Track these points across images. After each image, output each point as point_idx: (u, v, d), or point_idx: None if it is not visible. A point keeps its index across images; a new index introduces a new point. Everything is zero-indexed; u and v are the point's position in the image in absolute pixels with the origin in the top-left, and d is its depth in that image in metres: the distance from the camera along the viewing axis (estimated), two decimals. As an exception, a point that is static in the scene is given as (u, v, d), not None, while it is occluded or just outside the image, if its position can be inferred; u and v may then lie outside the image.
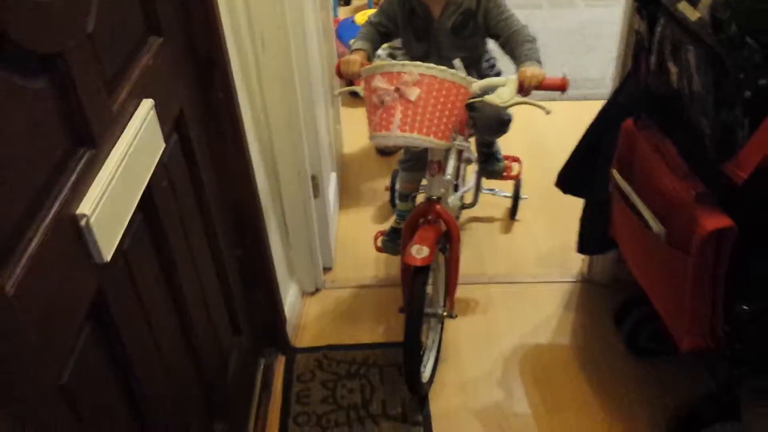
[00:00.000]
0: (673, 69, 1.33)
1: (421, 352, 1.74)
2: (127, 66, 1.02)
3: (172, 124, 1.19)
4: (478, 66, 1.90)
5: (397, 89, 1.44)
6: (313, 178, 1.96)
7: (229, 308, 1.56)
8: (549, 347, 1.95)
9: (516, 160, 2.39)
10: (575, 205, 1.89)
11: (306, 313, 2.06)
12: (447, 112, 1.45)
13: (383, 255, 2.21)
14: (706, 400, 1.60)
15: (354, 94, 1.63)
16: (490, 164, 2.29)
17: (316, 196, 2.00)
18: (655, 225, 1.38)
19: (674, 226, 1.34)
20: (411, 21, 1.82)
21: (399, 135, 1.46)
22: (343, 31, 3.25)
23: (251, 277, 1.69)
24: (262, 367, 1.83)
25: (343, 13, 4.08)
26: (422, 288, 1.60)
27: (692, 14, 1.22)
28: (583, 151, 1.80)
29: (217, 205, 1.47)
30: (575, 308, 2.08)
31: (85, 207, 0.83)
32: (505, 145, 2.33)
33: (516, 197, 2.38)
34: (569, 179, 1.86)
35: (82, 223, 0.83)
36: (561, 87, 1.56)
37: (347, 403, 1.76)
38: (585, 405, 1.78)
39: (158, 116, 1.08)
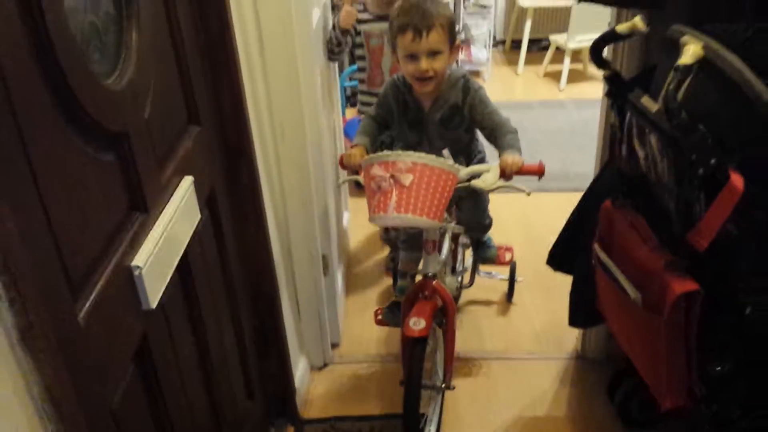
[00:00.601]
0: (641, 154, 1.52)
1: (422, 423, 1.84)
2: (172, 148, 1.22)
3: (204, 201, 1.37)
4: (467, 153, 2.06)
5: (393, 176, 1.61)
6: (324, 257, 2.13)
7: (245, 373, 1.68)
8: (545, 419, 2.05)
9: (509, 249, 2.54)
10: (567, 286, 2.03)
11: (314, 386, 2.17)
12: (438, 195, 1.63)
13: (387, 333, 2.34)
14: (692, 462, 1.69)
15: (357, 184, 1.81)
16: (482, 251, 2.44)
17: (325, 274, 2.15)
18: (632, 292, 1.53)
19: (649, 292, 1.48)
20: (405, 113, 2.00)
21: (395, 216, 1.62)
22: (350, 128, 3.50)
23: (265, 347, 1.82)
24: (272, 435, 1.93)
25: (350, 113, 4.38)
26: (420, 358, 1.70)
27: (652, 106, 1.42)
28: (569, 231, 1.97)
29: (239, 277, 1.63)
30: (570, 383, 2.18)
31: (138, 260, 0.99)
32: (501, 232, 2.51)
33: (512, 280, 2.53)
34: (558, 257, 2.02)
35: (136, 273, 0.99)
36: (538, 172, 1.74)
37: (353, 470, 1.85)
38: (581, 473, 1.86)
39: (196, 193, 1.27)
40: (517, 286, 2.57)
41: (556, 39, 4.83)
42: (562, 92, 4.74)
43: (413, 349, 1.70)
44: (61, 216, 0.80)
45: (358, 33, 2.52)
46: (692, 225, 1.35)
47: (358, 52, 2.62)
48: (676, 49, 1.34)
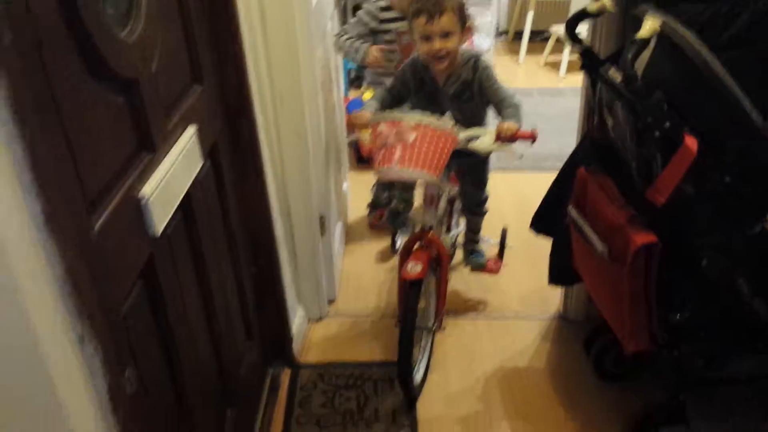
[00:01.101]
0: (609, 122, 1.65)
1: (414, 359, 2.01)
2: (178, 100, 1.36)
3: (207, 151, 1.52)
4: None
5: (398, 133, 1.79)
6: (321, 218, 2.27)
7: (244, 315, 1.84)
8: (526, 370, 2.19)
9: (497, 263, 2.60)
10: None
11: (311, 335, 2.33)
12: (438, 153, 1.80)
13: (383, 290, 2.53)
14: (657, 407, 1.83)
15: (358, 159, 1.97)
16: (474, 257, 2.55)
17: (322, 234, 2.30)
18: (600, 245, 1.66)
19: (614, 245, 1.62)
20: (421, 87, 2.19)
21: (398, 169, 1.81)
22: (352, 107, 3.64)
23: (263, 294, 1.97)
24: (269, 376, 2.09)
25: (353, 94, 4.51)
26: (416, 299, 1.89)
27: (617, 77, 1.54)
28: (550, 198, 2.10)
29: (238, 226, 1.78)
30: (551, 340, 2.32)
31: (146, 189, 1.14)
32: (497, 206, 2.65)
33: (502, 244, 2.67)
34: (540, 221, 2.16)
35: (143, 201, 1.14)
36: (531, 137, 1.90)
37: (344, 408, 2.01)
38: (556, 417, 2.00)
39: (199, 142, 1.41)
40: (507, 253, 2.70)
41: (557, 30, 4.93)
42: (562, 81, 4.87)
43: (409, 291, 1.88)
44: (79, 144, 0.95)
45: (388, 30, 2.64)
46: (651, 183, 1.48)
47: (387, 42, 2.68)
48: (640, 25, 1.47)
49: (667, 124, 1.40)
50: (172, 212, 1.25)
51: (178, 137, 1.32)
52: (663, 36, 1.41)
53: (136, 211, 1.13)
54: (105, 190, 1.04)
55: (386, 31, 2.63)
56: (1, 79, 0.72)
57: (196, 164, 1.41)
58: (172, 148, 1.28)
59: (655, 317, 1.62)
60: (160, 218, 1.19)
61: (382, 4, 2.60)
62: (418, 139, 1.81)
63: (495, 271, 2.58)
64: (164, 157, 1.24)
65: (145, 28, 1.17)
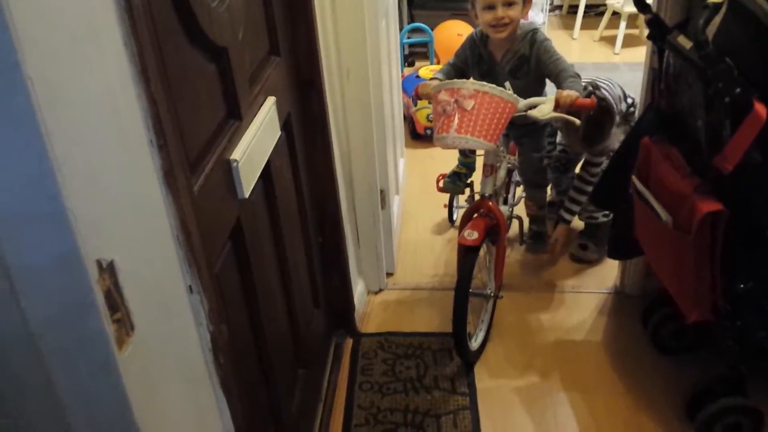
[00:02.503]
0: (676, 89, 1.66)
1: (474, 326, 2.07)
2: (259, 70, 1.42)
3: (282, 123, 1.58)
4: None
5: (456, 101, 1.82)
6: (381, 192, 2.32)
7: (312, 282, 1.91)
8: (583, 343, 2.22)
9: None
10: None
11: (370, 306, 2.39)
12: (496, 121, 1.82)
13: (440, 263, 2.58)
14: (716, 377, 1.84)
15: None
16: (537, 243, 2.58)
17: (383, 207, 2.35)
18: (664, 214, 1.68)
19: (679, 215, 1.63)
20: (479, 63, 2.22)
21: (456, 136, 1.83)
22: (407, 84, 3.68)
23: (329, 263, 2.04)
24: (333, 343, 2.16)
25: (407, 71, 4.55)
26: (471, 264, 1.94)
27: (686, 44, 1.55)
28: (612, 170, 2.12)
29: (308, 196, 1.84)
30: (608, 314, 2.34)
31: (236, 155, 1.21)
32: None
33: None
34: (601, 194, 2.18)
35: (234, 165, 1.20)
36: (590, 105, 1.91)
37: (404, 376, 2.07)
38: (613, 390, 2.03)
39: (277, 112, 1.47)
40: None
41: (613, 3, 4.85)
42: (617, 56, 4.78)
43: (465, 256, 1.94)
44: (182, 108, 1.01)
45: None
46: (719, 150, 1.49)
47: None
48: (711, -8, 1.47)
49: (738, 90, 1.41)
50: (256, 178, 1.32)
51: (260, 107, 1.38)
52: (733, 1, 1.41)
53: (227, 174, 1.19)
54: (202, 153, 1.11)
55: None
56: (131, 46, 0.78)
57: (275, 134, 1.47)
58: (255, 117, 1.34)
59: (719, 287, 1.64)
60: (247, 182, 1.25)
61: None
62: (476, 106, 1.83)
63: (555, 252, 2.59)
64: (249, 126, 1.31)
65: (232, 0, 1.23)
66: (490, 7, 2.05)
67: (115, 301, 0.71)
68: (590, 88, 2.29)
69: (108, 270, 0.70)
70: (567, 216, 2.49)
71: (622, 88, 2.47)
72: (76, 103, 0.68)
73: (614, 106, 2.28)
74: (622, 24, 4.76)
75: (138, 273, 0.78)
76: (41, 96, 0.60)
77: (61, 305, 0.68)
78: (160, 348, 0.85)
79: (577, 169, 2.54)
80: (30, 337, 0.69)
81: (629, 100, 2.46)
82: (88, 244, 0.67)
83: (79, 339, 0.70)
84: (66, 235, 0.64)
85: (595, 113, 2.10)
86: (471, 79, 1.89)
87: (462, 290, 1.94)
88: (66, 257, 0.66)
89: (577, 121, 1.88)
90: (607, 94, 2.28)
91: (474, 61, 2.23)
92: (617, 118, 2.32)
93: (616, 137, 2.36)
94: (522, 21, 2.14)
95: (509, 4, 2.04)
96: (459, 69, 2.25)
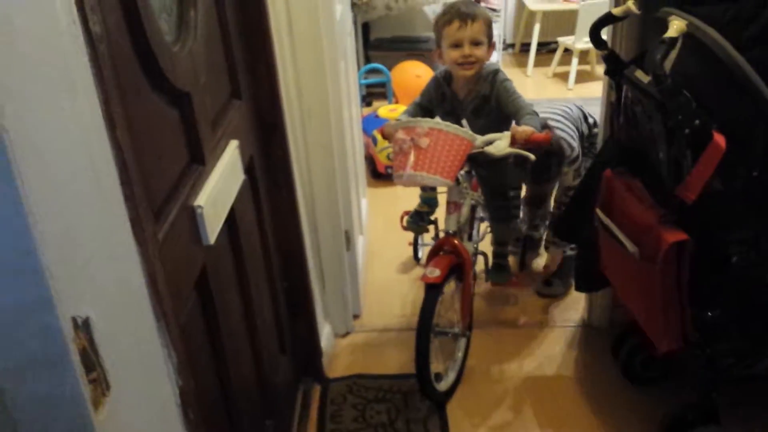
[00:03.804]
0: (636, 122, 1.69)
1: (444, 366, 2.06)
2: (221, 114, 1.40)
3: (246, 166, 1.55)
4: None
5: (412, 139, 1.83)
6: (346, 232, 2.30)
7: (278, 329, 1.85)
8: (554, 378, 2.20)
9: (519, 276, 2.65)
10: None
11: (338, 351, 2.33)
12: (451, 158, 1.84)
13: (407, 302, 2.55)
14: (690, 406, 1.84)
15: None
16: (499, 273, 2.51)
17: (348, 248, 2.32)
18: (630, 246, 1.69)
19: (645, 245, 1.64)
20: (443, 102, 2.25)
21: (412, 174, 1.85)
22: (367, 124, 3.69)
23: (295, 308, 1.99)
24: (301, 391, 2.10)
25: (365, 112, 4.57)
26: (432, 302, 1.92)
27: (644, 78, 1.59)
28: (575, 203, 2.13)
29: (272, 240, 1.80)
30: (577, 347, 2.34)
31: (200, 200, 1.17)
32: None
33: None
34: (565, 227, 2.19)
35: (198, 211, 1.16)
36: (545, 140, 1.93)
37: (375, 421, 2.01)
38: (588, 423, 2.01)
39: (240, 156, 1.44)
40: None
41: (564, 41, 5.00)
42: (571, 91, 4.91)
43: (427, 294, 1.92)
44: (145, 155, 0.98)
45: None
46: (681, 181, 1.51)
47: None
48: (665, 27, 1.51)
49: (697, 121, 1.44)
50: (221, 223, 1.28)
51: (223, 151, 1.35)
52: (689, 36, 1.45)
53: (191, 221, 1.15)
54: (166, 200, 1.07)
55: None
56: (99, 95, 0.75)
57: (239, 178, 1.43)
58: (218, 161, 1.31)
59: (687, 315, 1.65)
60: (212, 228, 1.21)
61: None
62: (431, 144, 1.85)
63: (517, 285, 2.60)
64: (212, 170, 1.27)
65: (194, 43, 1.21)
66: (457, 45, 2.09)
67: (90, 359, 0.67)
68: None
69: (83, 327, 0.66)
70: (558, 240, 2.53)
71: (581, 109, 2.53)
72: (53, 154, 0.65)
73: (566, 148, 2.31)
74: (574, 60, 4.89)
75: (112, 329, 0.74)
76: (17, 148, 0.57)
77: (34, 366, 0.64)
78: (135, 406, 0.80)
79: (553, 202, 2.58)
80: (1, 399, 0.64)
81: (591, 120, 2.51)
82: (64, 300, 0.63)
83: (54, 402, 0.65)
84: (41, 292, 0.61)
85: (542, 154, 2.14)
86: (427, 118, 1.91)
87: (424, 329, 1.92)
88: (40, 315, 0.62)
89: (533, 156, 1.91)
90: (559, 133, 2.31)
91: (438, 100, 2.26)
92: (574, 154, 2.36)
93: (569, 176, 2.42)
94: (486, 63, 2.17)
95: (476, 44, 2.08)
96: (425, 108, 2.27)
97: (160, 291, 0.88)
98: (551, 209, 2.65)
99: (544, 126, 2.22)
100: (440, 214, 2.32)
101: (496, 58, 5.00)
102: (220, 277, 1.31)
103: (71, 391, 0.65)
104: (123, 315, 0.79)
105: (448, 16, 2.09)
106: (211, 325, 1.26)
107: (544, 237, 2.72)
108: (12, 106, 0.57)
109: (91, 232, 0.71)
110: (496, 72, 2.17)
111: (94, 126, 0.74)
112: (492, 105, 2.17)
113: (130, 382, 0.79)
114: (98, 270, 0.72)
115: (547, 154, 2.27)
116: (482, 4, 5.02)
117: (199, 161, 1.22)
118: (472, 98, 2.19)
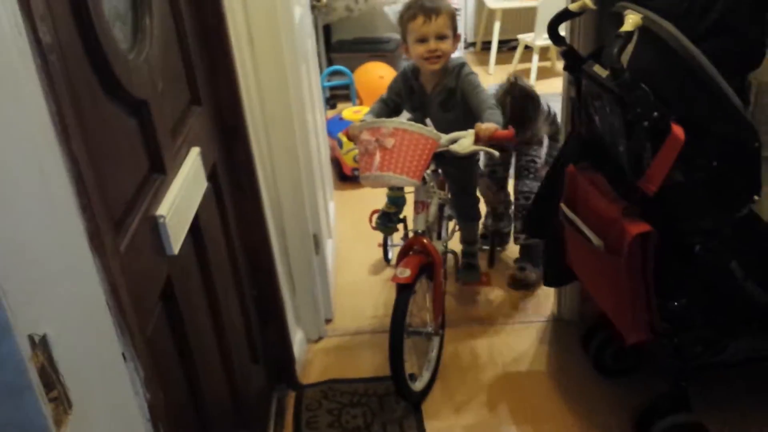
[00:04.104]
0: (596, 117, 1.71)
1: (419, 366, 2.06)
2: (181, 121, 1.37)
3: (208, 173, 1.53)
4: None
5: (377, 140, 1.82)
6: (314, 236, 2.28)
7: (249, 338, 1.83)
8: (527, 373, 2.22)
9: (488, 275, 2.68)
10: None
11: (311, 356, 2.32)
12: (417, 157, 1.84)
13: (379, 304, 2.55)
14: (660, 396, 1.86)
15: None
16: (470, 273, 2.58)
17: (317, 252, 2.31)
18: (595, 239, 1.71)
19: (609, 238, 1.66)
20: (411, 97, 2.26)
21: (378, 174, 1.85)
22: (331, 126, 3.68)
23: (265, 317, 1.97)
24: (275, 400, 2.08)
25: (330, 114, 4.55)
26: (405, 302, 1.92)
27: (602, 72, 1.60)
28: (541, 200, 2.15)
29: (239, 249, 1.78)
30: (548, 342, 2.36)
31: (162, 210, 1.15)
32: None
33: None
34: (533, 224, 2.21)
35: (160, 221, 1.14)
36: (509, 136, 1.94)
37: (351, 425, 2.00)
38: (561, 417, 2.03)
39: (202, 163, 1.42)
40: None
41: (524, 38, 5.05)
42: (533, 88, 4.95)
43: (399, 294, 1.92)
44: (103, 165, 0.95)
45: None
46: (642, 173, 1.53)
47: None
48: (621, 21, 1.53)
49: (655, 114, 1.46)
50: (185, 233, 1.26)
51: (184, 158, 1.33)
52: (645, 29, 1.47)
53: (154, 231, 1.13)
54: (126, 211, 1.05)
55: None
56: (50, 105, 0.73)
57: (202, 186, 1.41)
58: (180, 169, 1.29)
59: (654, 306, 1.67)
60: (176, 238, 1.19)
61: None
62: (396, 144, 1.85)
63: (488, 283, 2.62)
64: (174, 179, 1.25)
65: (150, 50, 1.19)
66: (423, 40, 2.10)
67: (50, 377, 0.65)
68: (512, 79, 2.45)
69: (41, 345, 0.64)
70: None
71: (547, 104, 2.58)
72: (3, 168, 0.62)
73: (537, 95, 2.39)
74: (535, 57, 4.94)
75: (72, 345, 0.71)
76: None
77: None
78: (101, 423, 0.78)
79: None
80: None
81: (545, 107, 2.56)
82: (19, 318, 0.61)
83: (14, 424, 0.63)
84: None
85: (516, 98, 2.16)
86: (392, 118, 1.90)
87: (397, 329, 1.92)
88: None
89: (497, 153, 1.92)
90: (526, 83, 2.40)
91: (406, 95, 2.27)
92: (544, 107, 2.41)
93: (543, 129, 2.52)
94: (451, 56, 2.18)
95: (441, 38, 2.09)
96: (393, 103, 2.28)
97: (123, 304, 0.86)
98: (511, 198, 2.68)
99: (513, 81, 2.34)
100: (408, 213, 2.32)
101: (457, 56, 5.03)
102: (186, 288, 1.29)
103: (31, 411, 0.63)
104: (84, 330, 0.77)
105: (413, 11, 2.10)
106: (179, 337, 1.23)
107: (512, 231, 2.74)
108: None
109: (45, 247, 0.69)
110: (462, 65, 2.18)
111: (45, 137, 0.72)
112: (458, 98, 2.18)
113: (94, 399, 0.77)
114: (55, 285, 0.70)
115: (524, 97, 2.31)
116: (442, 3, 5.03)
117: (159, 170, 1.20)
118: (439, 92, 2.20)
